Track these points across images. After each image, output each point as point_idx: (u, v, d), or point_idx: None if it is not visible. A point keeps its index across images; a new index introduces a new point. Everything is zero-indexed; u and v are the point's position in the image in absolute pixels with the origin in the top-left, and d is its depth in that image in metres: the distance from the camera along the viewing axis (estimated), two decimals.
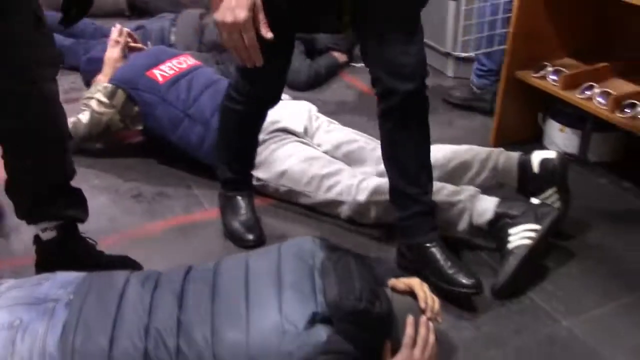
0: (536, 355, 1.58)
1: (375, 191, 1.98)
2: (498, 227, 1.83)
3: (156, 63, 2.33)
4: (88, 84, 2.63)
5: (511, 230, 1.80)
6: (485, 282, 1.75)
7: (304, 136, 2.21)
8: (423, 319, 1.40)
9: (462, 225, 1.87)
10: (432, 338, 1.39)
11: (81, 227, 1.69)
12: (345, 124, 2.39)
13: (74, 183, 1.65)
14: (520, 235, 1.78)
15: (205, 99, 2.26)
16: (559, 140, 2.44)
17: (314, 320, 1.26)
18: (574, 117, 2.37)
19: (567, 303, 1.73)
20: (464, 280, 1.68)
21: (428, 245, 1.74)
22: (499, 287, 1.73)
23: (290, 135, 2.18)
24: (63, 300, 1.29)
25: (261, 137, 2.15)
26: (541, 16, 2.31)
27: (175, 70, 2.33)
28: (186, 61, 2.41)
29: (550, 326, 1.67)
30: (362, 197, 1.99)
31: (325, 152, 2.19)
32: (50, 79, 1.52)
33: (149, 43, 2.93)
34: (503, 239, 1.81)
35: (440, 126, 2.59)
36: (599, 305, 1.73)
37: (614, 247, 1.95)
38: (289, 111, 2.28)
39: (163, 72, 2.31)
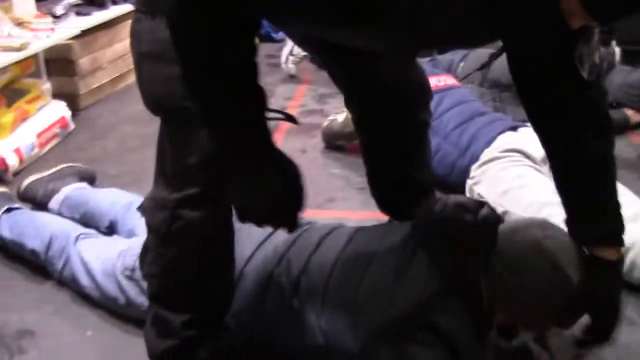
0: None
1: None
2: None
3: None
4: None
5: None
6: None
7: (540, 164, 2.08)
8: None
9: None
10: None
11: None
12: None
13: None
14: None
15: (451, 114, 2.28)
16: None
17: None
18: None
19: None
20: None
21: None
22: None
23: (525, 159, 2.07)
24: None
25: (495, 154, 2.09)
26: None
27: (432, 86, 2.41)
28: (446, 80, 2.47)
29: None
30: None
31: None
32: None
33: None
34: None
35: None
36: None
37: None
38: (531, 137, 2.17)
39: None
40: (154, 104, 1.17)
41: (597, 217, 1.19)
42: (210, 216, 1.16)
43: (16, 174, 2.35)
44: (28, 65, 2.67)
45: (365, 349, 1.21)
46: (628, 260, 1.65)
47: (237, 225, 1.25)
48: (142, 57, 1.15)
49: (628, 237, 1.67)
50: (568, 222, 1.20)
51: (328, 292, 1.28)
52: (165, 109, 1.15)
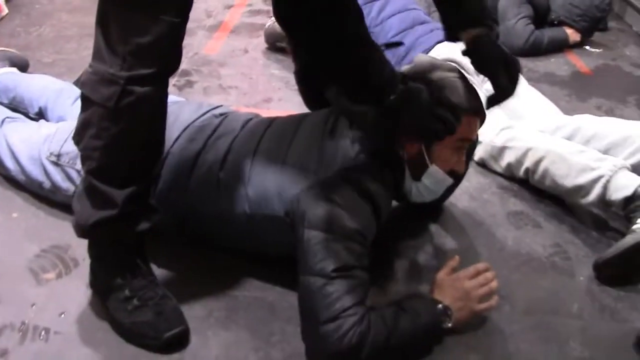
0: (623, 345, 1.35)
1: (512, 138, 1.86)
2: (631, 207, 1.58)
3: None
4: None
5: None
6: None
7: (473, 75, 2.11)
8: (492, 271, 1.34)
9: (593, 195, 1.64)
10: (493, 285, 1.32)
11: None
12: (541, 92, 2.23)
13: None
14: None
15: (393, 21, 2.29)
16: None
17: None
18: None
19: None
20: None
21: None
22: (601, 261, 1.50)
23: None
24: None
25: None
26: None
27: None
28: None
29: None
30: (499, 142, 1.88)
31: None
32: None
33: None
34: (632, 220, 1.56)
35: None
36: None
37: None
38: None
39: None
40: None
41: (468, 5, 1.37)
42: (158, 92, 1.19)
43: None
44: None
45: (292, 210, 1.27)
46: (541, 167, 1.74)
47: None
48: None
49: (544, 146, 1.79)
50: (441, 8, 1.41)
51: (255, 163, 1.34)
52: None
